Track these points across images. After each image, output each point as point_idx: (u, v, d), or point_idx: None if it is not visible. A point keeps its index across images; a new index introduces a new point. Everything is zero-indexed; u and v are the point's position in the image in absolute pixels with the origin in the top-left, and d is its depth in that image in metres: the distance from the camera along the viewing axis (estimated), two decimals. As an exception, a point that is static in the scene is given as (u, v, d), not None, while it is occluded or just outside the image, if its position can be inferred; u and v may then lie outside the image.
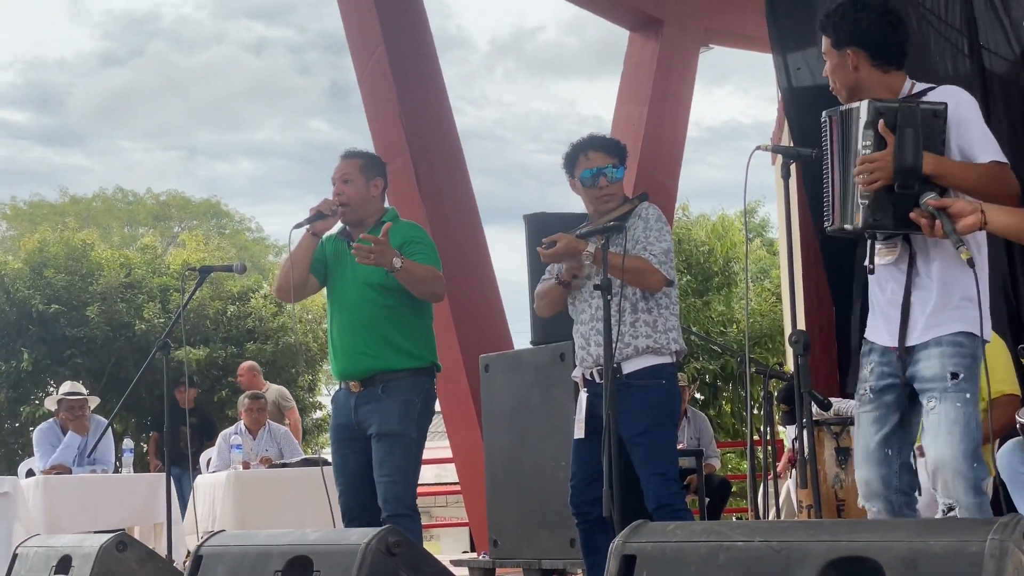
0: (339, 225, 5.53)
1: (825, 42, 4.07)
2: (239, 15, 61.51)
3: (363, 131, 10.16)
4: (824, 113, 3.98)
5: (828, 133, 3.95)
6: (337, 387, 5.57)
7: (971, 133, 3.86)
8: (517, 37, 66.77)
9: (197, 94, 55.84)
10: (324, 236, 5.51)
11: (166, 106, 55.75)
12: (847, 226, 3.88)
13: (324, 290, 5.67)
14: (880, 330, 4.00)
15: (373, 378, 5.32)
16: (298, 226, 5.37)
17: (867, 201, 3.76)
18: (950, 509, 3.79)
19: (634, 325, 5.02)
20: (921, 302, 3.87)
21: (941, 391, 3.80)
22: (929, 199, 3.66)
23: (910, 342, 3.88)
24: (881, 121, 3.76)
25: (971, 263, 3.60)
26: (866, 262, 4.03)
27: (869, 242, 4.01)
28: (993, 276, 3.98)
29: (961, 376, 3.79)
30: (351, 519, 5.38)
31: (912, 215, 3.69)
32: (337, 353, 5.45)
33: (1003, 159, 3.83)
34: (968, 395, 3.78)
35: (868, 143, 3.77)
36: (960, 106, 3.88)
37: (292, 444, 9.90)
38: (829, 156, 3.94)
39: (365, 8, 10.04)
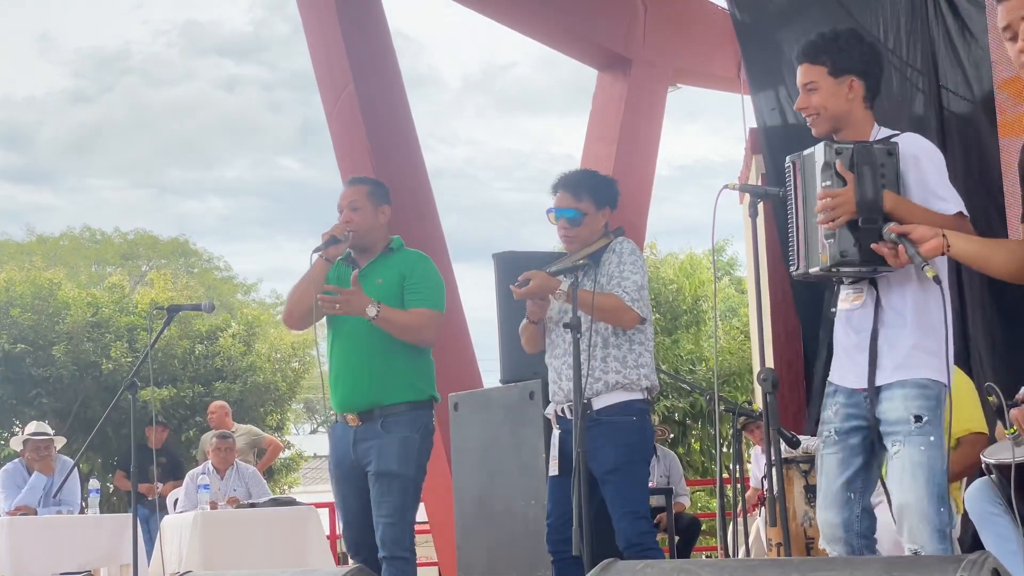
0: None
1: (815, 70, 3.99)
2: (210, 52, 61.53)
3: (334, 169, 10.17)
4: (787, 158, 4.00)
5: (791, 178, 3.96)
6: (335, 420, 5.48)
7: (934, 183, 3.88)
8: (488, 74, 67.04)
9: (167, 131, 55.78)
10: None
11: (136, 143, 55.65)
12: (812, 269, 3.89)
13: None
14: (846, 372, 4.00)
15: (372, 412, 5.28)
16: (317, 251, 5.31)
17: (832, 239, 3.78)
18: (915, 555, 3.78)
19: (604, 360, 5.03)
20: (888, 344, 3.88)
21: (905, 434, 3.80)
22: (891, 226, 3.68)
23: (878, 382, 3.89)
24: (838, 161, 3.78)
25: (937, 280, 3.62)
26: (832, 307, 4.05)
27: (836, 287, 4.03)
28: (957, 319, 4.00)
29: (925, 419, 3.79)
30: (355, 553, 5.38)
31: (874, 246, 3.70)
32: (338, 384, 5.39)
33: (965, 211, 3.86)
34: (932, 438, 3.78)
35: (828, 183, 3.79)
36: (923, 154, 3.90)
37: (260, 484, 9.84)
38: (792, 201, 3.95)
39: (334, 47, 10.06)
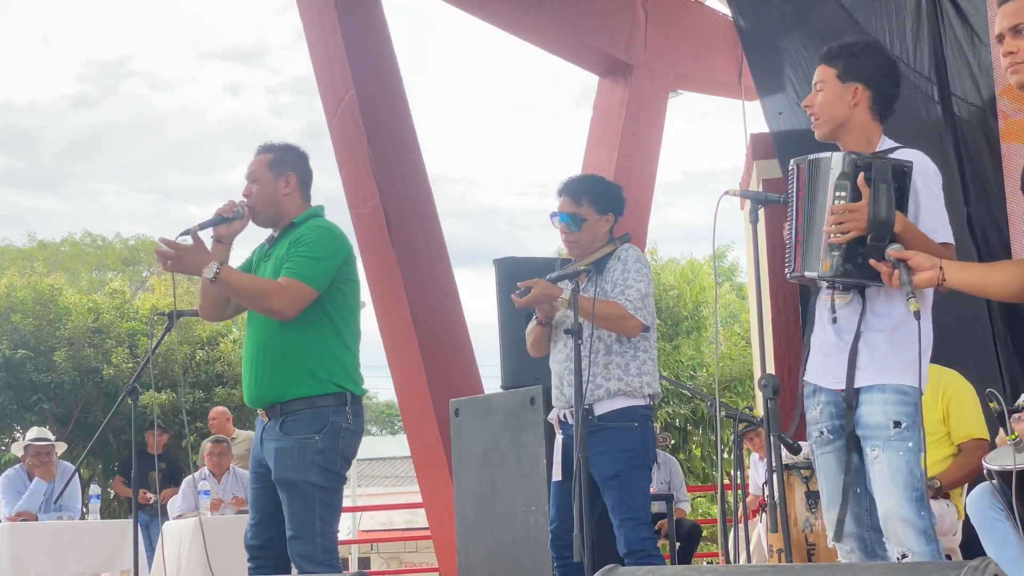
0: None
1: (827, 71, 4.03)
2: (213, 57, 61.60)
3: (335, 173, 10.16)
4: (792, 161, 4.00)
5: (794, 181, 3.96)
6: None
7: (929, 209, 3.90)
8: (490, 79, 67.03)
9: (170, 136, 55.87)
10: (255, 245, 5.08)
11: (138, 148, 55.70)
12: (808, 273, 3.90)
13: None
14: (823, 372, 4.02)
15: (275, 408, 4.80)
16: (185, 233, 4.77)
17: (839, 252, 3.79)
18: (903, 557, 3.80)
19: (607, 367, 5.02)
20: (869, 347, 3.90)
21: (884, 440, 3.84)
22: (892, 249, 3.70)
23: (856, 384, 3.91)
24: (861, 175, 3.77)
25: (917, 315, 3.64)
26: (819, 304, 4.06)
27: (825, 286, 4.03)
28: (974, 325, 3.97)
29: (903, 425, 3.83)
30: (252, 557, 4.91)
31: (872, 262, 3.72)
32: (244, 378, 4.95)
33: (951, 240, 3.91)
34: (911, 443, 3.82)
35: (843, 194, 3.79)
36: (924, 176, 3.91)
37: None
38: (794, 203, 3.95)
39: (335, 52, 10.06)
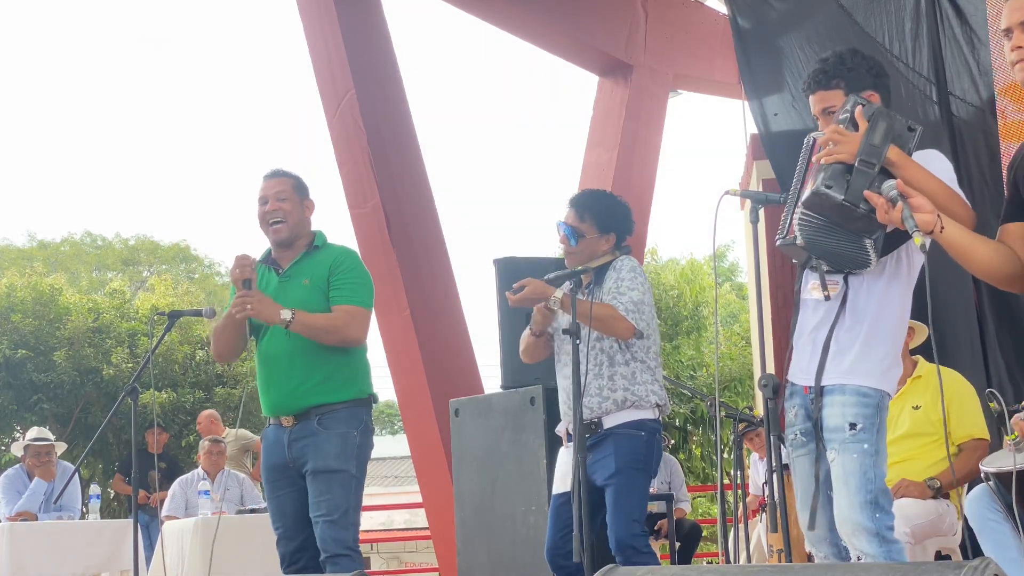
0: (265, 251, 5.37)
1: (832, 95, 4.02)
2: (210, 59, 61.49)
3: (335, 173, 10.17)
4: (811, 134, 3.98)
5: (807, 153, 3.94)
6: (267, 423, 5.26)
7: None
8: (488, 77, 66.99)
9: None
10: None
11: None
12: (800, 241, 3.85)
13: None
14: (797, 369, 4.04)
15: (308, 412, 5.07)
16: (243, 294, 5.06)
17: (824, 172, 3.69)
18: (859, 558, 3.83)
19: (612, 378, 5.03)
20: (838, 346, 3.90)
21: (840, 442, 3.86)
22: (898, 182, 3.56)
23: (823, 382, 3.91)
24: (859, 108, 3.72)
25: (923, 248, 3.49)
26: (805, 294, 4.04)
27: (813, 271, 3.99)
28: (965, 323, 3.96)
29: (860, 427, 3.85)
30: (291, 564, 5.09)
31: (867, 193, 3.60)
32: (269, 387, 5.16)
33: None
34: (866, 445, 3.84)
35: (843, 119, 3.75)
36: (936, 161, 3.87)
37: (252, 491, 9.83)
38: (801, 174, 3.92)
39: (335, 53, 10.07)
